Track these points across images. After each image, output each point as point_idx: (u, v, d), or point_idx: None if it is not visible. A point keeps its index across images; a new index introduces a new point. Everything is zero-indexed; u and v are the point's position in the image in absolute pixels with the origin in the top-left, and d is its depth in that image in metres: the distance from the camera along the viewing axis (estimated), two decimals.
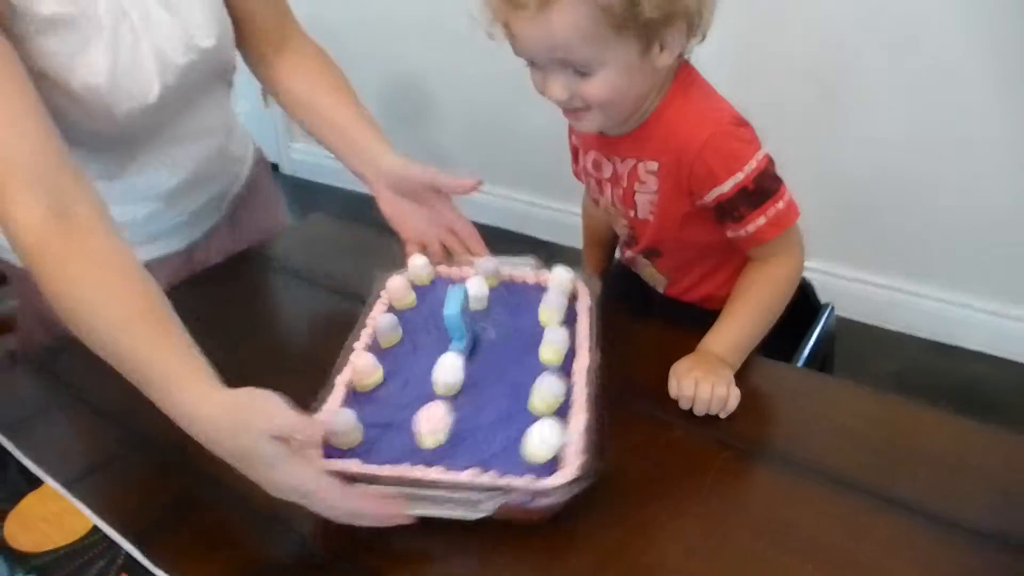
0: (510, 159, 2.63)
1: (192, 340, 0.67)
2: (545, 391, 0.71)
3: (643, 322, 0.96)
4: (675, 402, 0.79)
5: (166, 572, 0.64)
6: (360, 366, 0.76)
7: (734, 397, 0.78)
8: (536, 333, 0.81)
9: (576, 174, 1.08)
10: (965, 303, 2.08)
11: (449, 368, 0.74)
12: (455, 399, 0.74)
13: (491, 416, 0.72)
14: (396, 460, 0.66)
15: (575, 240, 1.24)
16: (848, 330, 2.19)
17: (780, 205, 0.86)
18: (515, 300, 0.89)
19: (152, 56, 0.90)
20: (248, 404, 0.63)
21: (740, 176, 0.84)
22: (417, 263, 0.92)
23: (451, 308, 0.78)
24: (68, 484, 0.73)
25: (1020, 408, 1.90)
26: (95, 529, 0.68)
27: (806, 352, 1.04)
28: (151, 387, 0.65)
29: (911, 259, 2.13)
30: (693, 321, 0.90)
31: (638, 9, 0.75)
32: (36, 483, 0.74)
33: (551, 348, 0.79)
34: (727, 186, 0.84)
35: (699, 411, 0.78)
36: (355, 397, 0.76)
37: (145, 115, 0.92)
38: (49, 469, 0.75)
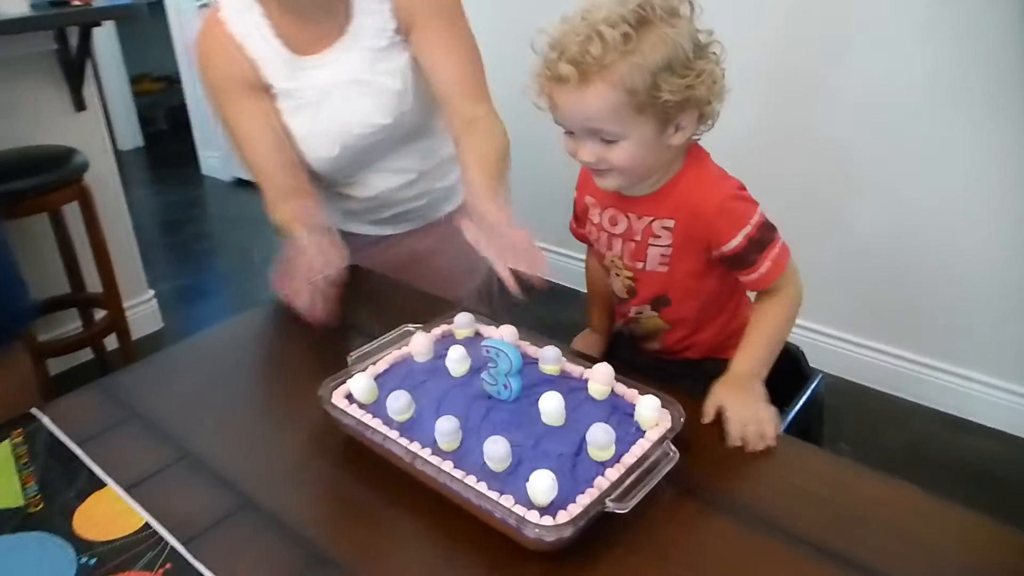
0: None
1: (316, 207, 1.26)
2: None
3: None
4: None
5: (208, 568, 0.75)
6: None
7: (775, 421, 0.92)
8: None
9: (574, 231, 1.22)
10: (981, 380, 2.13)
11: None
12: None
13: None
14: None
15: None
16: (863, 398, 2.25)
17: (777, 248, 1.01)
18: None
19: (337, 126, 1.29)
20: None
21: (748, 229, 1.00)
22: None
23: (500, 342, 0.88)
24: (127, 488, 0.86)
25: None
26: (146, 526, 0.80)
27: (790, 416, 1.13)
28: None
29: (928, 333, 2.19)
30: (680, 376, 1.02)
31: (658, 95, 0.91)
32: (100, 485, 0.87)
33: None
34: (739, 239, 1.00)
35: (769, 435, 0.89)
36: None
37: (337, 161, 1.33)
38: (111, 475, 0.88)
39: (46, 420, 0.98)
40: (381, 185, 1.40)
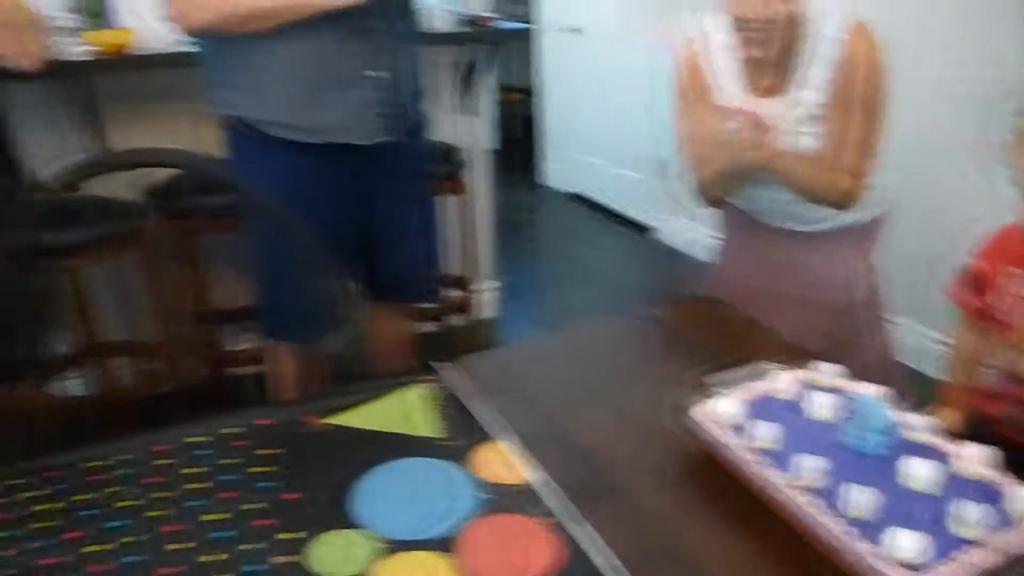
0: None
1: None
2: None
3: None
4: None
5: (586, 524, 0.87)
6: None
7: None
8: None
9: (958, 298, 1.18)
10: None
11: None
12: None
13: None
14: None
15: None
16: None
17: None
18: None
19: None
20: None
21: None
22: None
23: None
24: (514, 445, 1.01)
25: None
26: (528, 482, 0.95)
27: None
28: None
29: None
30: None
31: None
32: (489, 437, 1.03)
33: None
34: None
35: None
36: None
37: None
38: (501, 431, 1.04)
39: (450, 375, 1.18)
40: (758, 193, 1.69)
